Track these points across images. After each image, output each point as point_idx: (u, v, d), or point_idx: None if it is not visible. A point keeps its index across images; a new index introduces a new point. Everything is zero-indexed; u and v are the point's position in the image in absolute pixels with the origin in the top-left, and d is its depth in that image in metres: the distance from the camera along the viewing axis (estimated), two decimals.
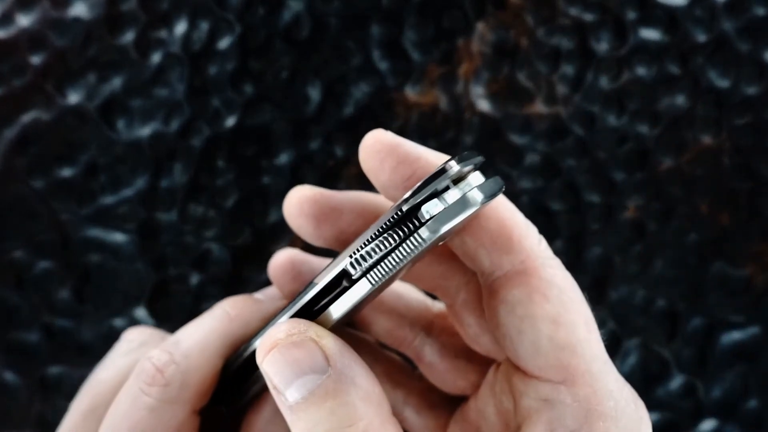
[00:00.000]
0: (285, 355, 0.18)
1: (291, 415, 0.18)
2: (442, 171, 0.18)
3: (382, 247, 0.18)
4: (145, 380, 0.21)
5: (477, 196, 0.18)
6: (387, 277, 0.19)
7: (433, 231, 0.18)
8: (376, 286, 0.19)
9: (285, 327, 0.19)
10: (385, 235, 0.18)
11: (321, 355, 0.18)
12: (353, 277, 0.19)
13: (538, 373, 0.19)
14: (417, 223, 0.18)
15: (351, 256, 0.19)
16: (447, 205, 0.18)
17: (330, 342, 0.19)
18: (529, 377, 0.19)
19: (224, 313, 0.23)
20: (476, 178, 0.19)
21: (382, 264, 0.18)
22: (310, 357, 0.18)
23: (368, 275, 0.19)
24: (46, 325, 0.34)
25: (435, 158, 0.21)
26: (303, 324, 0.19)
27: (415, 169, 0.20)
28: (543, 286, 0.19)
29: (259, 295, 0.26)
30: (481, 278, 0.21)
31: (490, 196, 0.18)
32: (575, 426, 0.18)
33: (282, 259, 0.24)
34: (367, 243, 0.19)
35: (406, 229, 0.18)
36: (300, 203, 0.22)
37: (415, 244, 0.18)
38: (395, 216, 0.18)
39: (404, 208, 0.18)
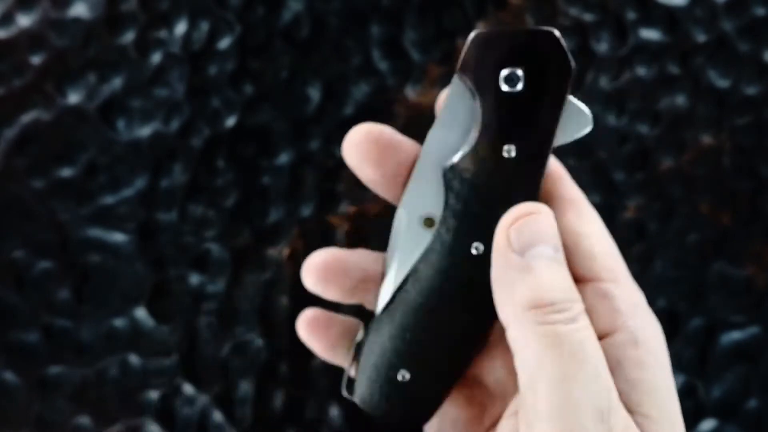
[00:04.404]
0: None
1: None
2: None
3: None
4: None
5: None
6: None
7: None
8: None
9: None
10: None
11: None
12: None
13: (593, 275, 0.23)
14: None
15: None
16: None
17: None
18: (584, 282, 0.23)
19: None
20: None
21: None
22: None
23: None
24: (46, 325, 0.34)
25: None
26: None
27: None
28: (587, 213, 0.24)
29: None
30: None
31: None
32: (628, 315, 0.22)
33: (317, 263, 0.26)
34: None
35: None
36: (359, 146, 0.24)
37: None
38: None
39: None
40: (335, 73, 0.35)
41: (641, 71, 0.35)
